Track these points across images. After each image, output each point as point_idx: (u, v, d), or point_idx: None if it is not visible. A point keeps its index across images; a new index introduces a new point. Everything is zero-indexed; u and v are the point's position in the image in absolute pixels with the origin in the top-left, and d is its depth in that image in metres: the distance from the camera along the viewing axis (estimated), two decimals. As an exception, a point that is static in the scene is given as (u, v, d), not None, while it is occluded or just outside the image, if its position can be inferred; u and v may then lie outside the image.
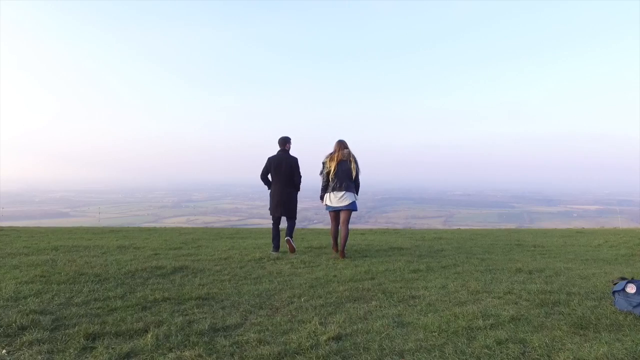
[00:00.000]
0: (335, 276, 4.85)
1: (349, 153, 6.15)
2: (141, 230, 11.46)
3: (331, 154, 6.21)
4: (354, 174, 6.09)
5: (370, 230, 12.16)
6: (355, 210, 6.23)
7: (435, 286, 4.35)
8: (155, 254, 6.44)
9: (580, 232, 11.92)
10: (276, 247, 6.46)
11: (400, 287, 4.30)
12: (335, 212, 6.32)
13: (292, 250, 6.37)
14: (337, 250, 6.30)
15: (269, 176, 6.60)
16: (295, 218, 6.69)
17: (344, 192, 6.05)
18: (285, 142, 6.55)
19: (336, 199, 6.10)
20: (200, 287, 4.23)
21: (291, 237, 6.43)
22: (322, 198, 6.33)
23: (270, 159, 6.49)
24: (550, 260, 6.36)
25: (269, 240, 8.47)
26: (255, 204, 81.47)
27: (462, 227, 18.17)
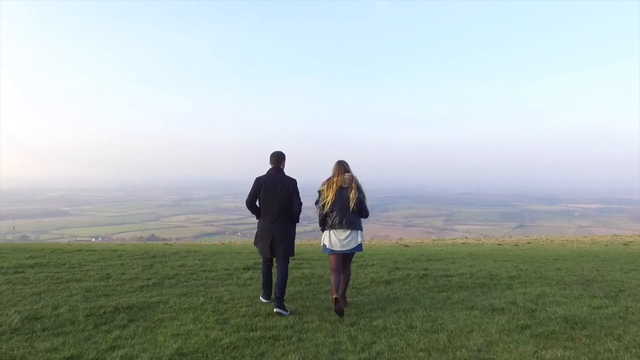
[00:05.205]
0: None
1: (351, 178, 4.75)
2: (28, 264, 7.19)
3: (329, 179, 4.85)
4: (351, 205, 4.59)
5: (385, 249, 7.75)
6: (361, 250, 4.84)
7: None
8: None
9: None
10: (267, 295, 4.98)
11: None
12: (337, 256, 4.70)
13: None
14: (337, 302, 4.36)
15: (257, 202, 5.05)
16: (291, 257, 4.94)
17: (349, 231, 4.63)
18: (279, 159, 4.94)
19: (339, 240, 4.61)
20: None
21: (282, 302, 4.53)
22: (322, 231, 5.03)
23: (259, 180, 4.90)
24: None
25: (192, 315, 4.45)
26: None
27: (520, 243, 13.87)
